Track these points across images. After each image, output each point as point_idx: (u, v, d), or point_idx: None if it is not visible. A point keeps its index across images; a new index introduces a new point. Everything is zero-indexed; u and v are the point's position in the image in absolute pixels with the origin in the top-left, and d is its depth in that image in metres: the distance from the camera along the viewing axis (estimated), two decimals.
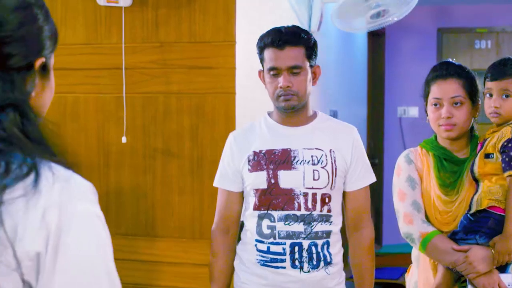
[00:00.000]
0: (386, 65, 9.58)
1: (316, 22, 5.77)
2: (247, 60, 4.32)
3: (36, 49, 1.55)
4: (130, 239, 4.44)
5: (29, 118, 1.48)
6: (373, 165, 3.77)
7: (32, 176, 1.42)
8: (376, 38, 9.33)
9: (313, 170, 3.27)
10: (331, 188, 3.29)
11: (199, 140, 4.32)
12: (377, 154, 9.28)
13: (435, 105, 3.39)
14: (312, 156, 3.29)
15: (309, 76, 3.31)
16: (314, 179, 3.26)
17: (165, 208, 4.40)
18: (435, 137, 3.50)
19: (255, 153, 3.34)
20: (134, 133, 4.43)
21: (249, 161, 3.34)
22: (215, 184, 3.47)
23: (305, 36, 3.30)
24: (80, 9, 4.52)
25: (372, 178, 3.45)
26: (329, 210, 3.30)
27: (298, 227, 3.25)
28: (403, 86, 9.42)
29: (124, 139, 4.38)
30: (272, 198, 3.28)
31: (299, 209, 3.25)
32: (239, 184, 3.40)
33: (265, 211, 3.29)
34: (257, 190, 3.31)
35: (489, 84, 3.31)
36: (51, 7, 4.49)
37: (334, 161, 3.30)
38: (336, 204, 3.33)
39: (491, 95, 3.30)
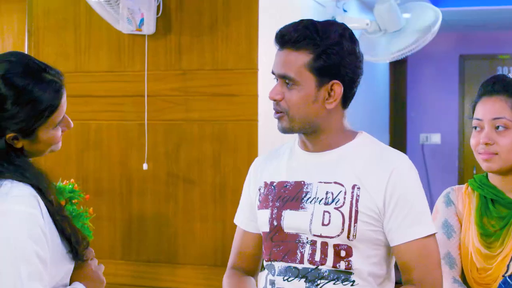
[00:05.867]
0: (408, 92, 9.58)
1: None
2: (269, 87, 4.30)
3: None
4: (152, 266, 4.44)
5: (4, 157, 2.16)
6: None
7: None
8: (398, 65, 9.33)
9: (324, 212, 2.37)
10: (348, 237, 2.35)
11: (221, 168, 4.32)
12: None
13: (475, 127, 2.63)
14: (327, 193, 2.39)
15: (312, 94, 2.38)
16: (323, 224, 2.37)
17: (187, 235, 4.40)
18: (487, 172, 2.70)
19: (265, 184, 2.54)
20: (156, 160, 4.44)
21: (259, 194, 2.56)
22: (234, 219, 2.73)
23: (316, 38, 2.35)
24: (104, 37, 4.55)
25: (426, 230, 2.37)
26: (348, 267, 2.36)
27: (299, 284, 2.40)
28: (425, 112, 9.41)
29: (145, 166, 4.39)
30: (273, 245, 2.46)
31: (301, 261, 2.39)
32: (255, 223, 2.60)
33: (269, 262, 2.49)
34: (263, 233, 2.53)
35: None
36: (75, 35, 4.55)
37: (356, 201, 2.36)
38: (363, 261, 2.38)
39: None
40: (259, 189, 2.55)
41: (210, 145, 4.34)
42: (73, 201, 3.78)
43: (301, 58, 2.36)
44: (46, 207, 2.16)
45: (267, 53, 4.34)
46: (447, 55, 9.46)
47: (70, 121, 2.30)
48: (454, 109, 9.44)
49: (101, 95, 4.56)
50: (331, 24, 2.41)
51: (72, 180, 3.87)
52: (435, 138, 9.39)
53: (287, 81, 2.39)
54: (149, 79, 4.43)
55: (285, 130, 2.43)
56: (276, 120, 2.44)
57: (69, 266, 2.24)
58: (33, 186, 2.14)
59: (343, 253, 2.36)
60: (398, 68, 9.38)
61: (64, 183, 3.82)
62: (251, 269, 2.65)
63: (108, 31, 4.50)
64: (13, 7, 5.15)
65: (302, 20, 2.41)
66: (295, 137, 2.56)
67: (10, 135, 2.16)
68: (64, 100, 2.23)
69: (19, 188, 2.11)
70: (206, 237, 4.35)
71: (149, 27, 4.33)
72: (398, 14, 5.67)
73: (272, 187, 2.50)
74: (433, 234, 2.40)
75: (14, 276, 2.01)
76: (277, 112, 2.43)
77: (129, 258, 4.46)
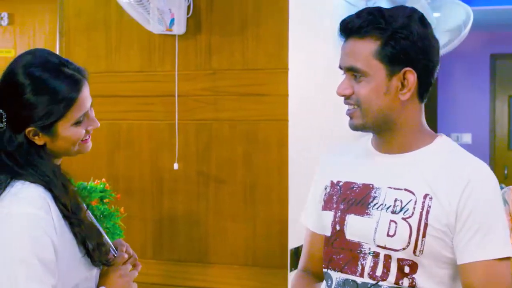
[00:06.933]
0: (439, 92, 9.53)
1: None
2: (299, 87, 4.31)
3: (23, 122, 2.17)
4: (182, 265, 4.45)
5: (16, 157, 2.16)
6: None
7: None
8: None
9: (390, 221, 2.14)
10: (414, 252, 2.12)
11: (252, 167, 4.31)
12: None
13: None
14: (395, 200, 2.16)
15: (383, 85, 2.17)
16: (388, 235, 2.14)
17: (218, 235, 4.40)
18: None
19: (332, 184, 2.34)
20: (187, 160, 4.44)
21: (325, 194, 2.36)
22: (302, 219, 2.54)
23: (382, 23, 2.15)
24: (134, 37, 4.57)
25: (497, 252, 2.10)
26: (412, 285, 2.13)
27: None
28: (456, 112, 9.36)
29: (176, 166, 4.40)
30: (333, 252, 2.26)
31: (361, 274, 2.18)
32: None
33: (326, 269, 2.30)
34: (325, 237, 2.32)
35: None
36: (106, 35, 4.57)
37: (427, 212, 2.11)
38: (428, 280, 2.15)
39: None
40: (325, 188, 2.36)
41: (241, 145, 4.34)
42: (105, 200, 3.80)
43: (368, 46, 2.16)
44: (59, 209, 2.15)
45: (297, 53, 4.33)
46: (477, 55, 9.41)
47: (96, 120, 2.28)
48: (485, 109, 9.38)
49: (131, 95, 4.58)
50: (398, 8, 2.22)
51: (103, 179, 3.89)
52: (466, 138, 9.33)
53: (354, 73, 2.18)
54: (180, 79, 4.44)
55: (356, 128, 2.23)
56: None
57: (88, 271, 2.21)
58: (45, 187, 2.14)
59: (407, 269, 2.14)
60: None
61: (95, 182, 3.84)
62: (320, 272, 2.38)
63: (139, 32, 4.51)
64: (45, 7, 5.19)
65: (367, 7, 2.25)
66: (367, 135, 2.35)
67: (29, 129, 2.17)
68: (84, 96, 2.21)
69: (29, 190, 2.12)
70: (237, 237, 4.35)
71: (179, 27, 4.34)
72: (429, 14, 5.64)
73: (338, 187, 2.30)
74: (507, 258, 2.12)
75: (10, 277, 2.01)
76: (349, 106, 2.22)
77: (160, 257, 4.47)
